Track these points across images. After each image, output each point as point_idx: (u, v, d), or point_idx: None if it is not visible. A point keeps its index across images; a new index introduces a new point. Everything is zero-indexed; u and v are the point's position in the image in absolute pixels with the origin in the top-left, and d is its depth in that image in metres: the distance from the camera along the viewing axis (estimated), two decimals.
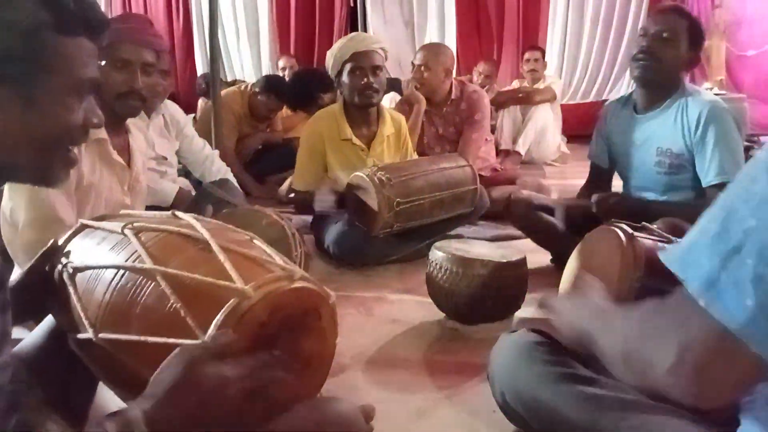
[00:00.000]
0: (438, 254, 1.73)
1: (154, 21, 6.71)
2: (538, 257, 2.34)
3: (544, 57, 4.99)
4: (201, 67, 6.91)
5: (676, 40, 1.93)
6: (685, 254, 0.64)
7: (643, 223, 1.39)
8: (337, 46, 2.48)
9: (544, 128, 4.74)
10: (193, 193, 2.69)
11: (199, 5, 6.76)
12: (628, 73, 5.76)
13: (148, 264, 0.95)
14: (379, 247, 2.32)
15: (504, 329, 1.76)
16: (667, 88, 1.99)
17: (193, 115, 4.44)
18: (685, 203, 1.94)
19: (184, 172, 3.01)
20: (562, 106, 5.07)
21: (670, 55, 1.93)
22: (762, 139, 3.37)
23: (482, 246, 1.81)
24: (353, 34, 2.60)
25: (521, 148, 4.72)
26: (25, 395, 0.95)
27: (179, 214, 1.12)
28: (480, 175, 3.07)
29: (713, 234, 0.61)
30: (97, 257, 1.03)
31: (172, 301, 0.89)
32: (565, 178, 4.29)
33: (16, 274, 1.65)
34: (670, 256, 0.67)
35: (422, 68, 3.07)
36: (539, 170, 4.57)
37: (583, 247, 1.42)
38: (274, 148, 4.01)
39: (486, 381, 1.49)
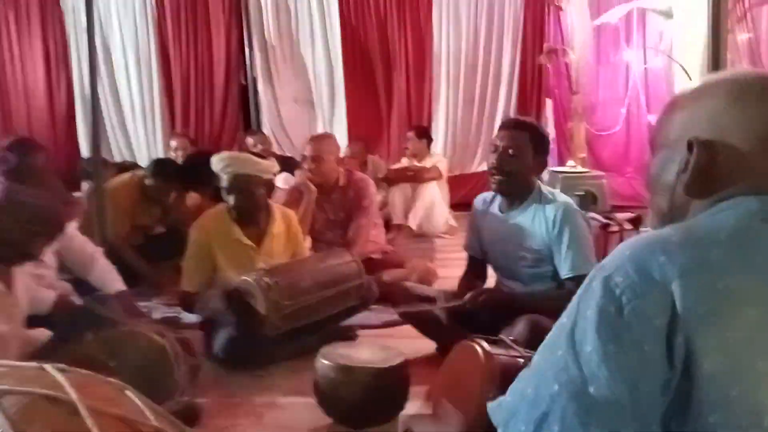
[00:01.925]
0: (322, 363, 1.79)
1: (32, 96, 6.42)
2: (425, 345, 2.45)
3: (421, 137, 5.31)
4: (84, 145, 6.66)
5: (521, 154, 2.16)
6: (508, 418, 0.73)
7: (500, 336, 1.53)
8: (216, 159, 2.54)
9: (432, 204, 5.01)
10: (72, 296, 2.58)
11: (82, 80, 6.59)
12: None
13: None
14: (269, 349, 2.34)
15: (390, 431, 1.85)
16: (522, 193, 2.22)
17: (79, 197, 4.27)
18: (545, 295, 2.15)
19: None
20: (448, 177, 5.39)
21: (517, 168, 2.16)
22: (618, 215, 3.77)
23: (366, 349, 1.89)
24: (231, 154, 2.69)
25: (412, 222, 4.95)
26: None
27: (47, 367, 1.12)
28: (371, 258, 3.21)
29: (529, 400, 0.70)
30: None
31: None
32: (453, 251, 4.53)
33: None
34: (498, 414, 0.77)
35: (314, 159, 3.19)
36: (429, 243, 4.80)
37: (449, 361, 1.54)
38: (171, 231, 3.93)
39: None
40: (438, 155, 5.48)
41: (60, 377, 1.08)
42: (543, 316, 1.93)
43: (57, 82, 6.89)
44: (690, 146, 0.76)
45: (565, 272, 2.12)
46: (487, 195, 2.42)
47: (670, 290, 0.64)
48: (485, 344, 1.41)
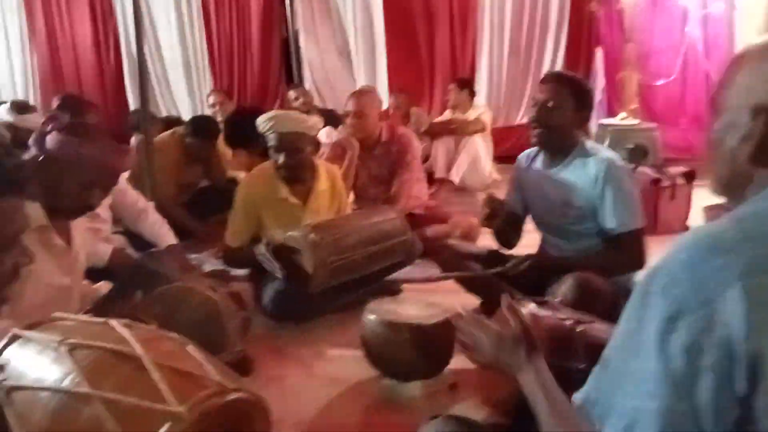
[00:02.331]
0: (369, 318, 1.82)
1: (81, 53, 6.54)
2: (469, 300, 2.47)
3: (463, 88, 5.19)
4: (132, 100, 6.79)
5: (561, 107, 2.09)
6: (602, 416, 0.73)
7: (547, 297, 1.52)
8: (262, 119, 2.54)
9: (476, 157, 4.94)
10: (127, 249, 2.68)
11: (128, 38, 6.66)
12: None
13: (85, 388, 1.00)
14: (317, 302, 2.39)
15: (436, 385, 1.89)
16: (564, 148, 2.17)
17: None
18: (590, 257, 2.12)
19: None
20: (492, 130, 5.29)
21: (557, 122, 2.10)
22: (670, 169, 3.64)
23: (412, 305, 1.91)
24: (278, 113, 2.66)
25: (455, 176, 4.91)
26: None
27: (113, 323, 1.17)
28: (413, 214, 3.21)
29: (610, 407, 0.71)
30: (35, 374, 1.07)
31: (108, 427, 0.95)
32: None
33: None
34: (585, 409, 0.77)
35: (357, 115, 3.17)
36: (472, 197, 4.76)
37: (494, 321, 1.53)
38: (217, 187, 4.02)
39: None
40: (482, 107, 5.36)
41: (126, 332, 1.13)
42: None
43: (104, 39, 7.00)
44: (755, 113, 0.72)
45: (611, 227, 2.09)
46: (531, 151, 2.38)
47: (730, 296, 0.61)
48: (532, 306, 1.41)
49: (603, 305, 1.74)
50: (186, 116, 5.82)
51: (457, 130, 5.02)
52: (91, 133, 1.79)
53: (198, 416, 0.97)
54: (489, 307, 2.42)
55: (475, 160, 4.95)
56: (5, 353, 1.15)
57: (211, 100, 5.21)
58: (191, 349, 1.16)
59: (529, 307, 1.40)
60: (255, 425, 1.10)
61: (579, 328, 1.35)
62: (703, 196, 3.80)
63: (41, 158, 1.65)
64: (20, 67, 7.01)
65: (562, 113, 2.10)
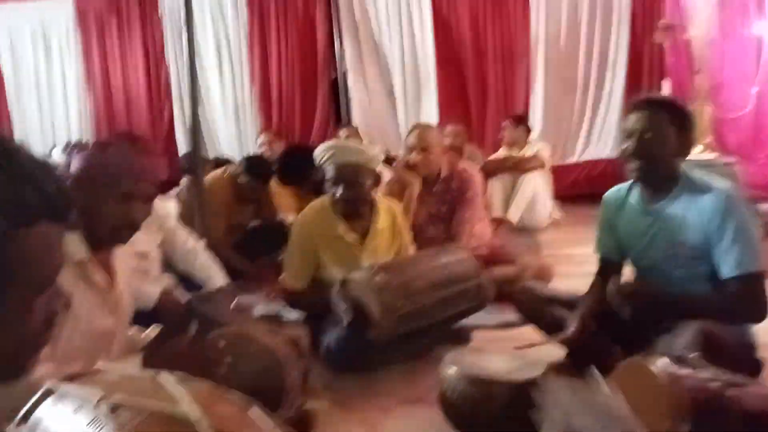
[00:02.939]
0: (451, 372, 1.57)
1: (134, 97, 6.66)
2: (554, 350, 2.18)
3: (519, 125, 4.98)
4: (182, 143, 6.83)
5: (661, 135, 1.84)
6: None
7: (683, 353, 1.24)
8: (320, 149, 2.39)
9: (534, 195, 4.68)
10: (176, 291, 2.52)
11: (179, 82, 6.75)
12: (607, 135, 5.83)
13: None
14: (380, 351, 2.15)
15: None
16: (667, 181, 1.91)
17: (177, 190, 4.32)
18: (708, 297, 1.83)
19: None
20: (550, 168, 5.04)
21: (658, 152, 1.85)
22: (760, 206, 3.31)
23: (498, 358, 1.66)
24: (338, 143, 2.51)
25: (513, 215, 4.65)
26: None
27: (164, 378, 0.96)
28: (477, 255, 2.96)
29: None
30: None
31: None
32: (561, 246, 4.20)
33: None
34: None
35: (422, 150, 2.98)
36: (532, 238, 4.48)
37: (615, 384, 1.26)
38: (268, 226, 3.89)
39: None
40: (539, 143, 5.13)
41: (180, 390, 0.92)
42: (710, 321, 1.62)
43: (155, 83, 7.11)
44: None
45: (728, 270, 1.79)
46: (622, 187, 2.10)
47: None
48: (664, 362, 1.13)
49: (731, 363, 1.44)
50: (234, 159, 5.78)
51: (515, 167, 4.78)
52: (117, 144, 1.64)
53: None
54: (577, 360, 2.14)
55: (535, 198, 4.68)
56: (38, 411, 0.95)
57: (261, 140, 5.14)
58: (255, 413, 0.94)
59: (661, 364, 1.13)
60: None
61: (730, 392, 1.07)
62: None
63: (69, 181, 1.50)
64: (75, 110, 7.17)
65: (662, 141, 1.84)
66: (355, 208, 2.35)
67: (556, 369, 1.96)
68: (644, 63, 5.56)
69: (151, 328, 1.90)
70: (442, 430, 1.71)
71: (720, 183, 1.89)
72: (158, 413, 0.87)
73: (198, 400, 0.89)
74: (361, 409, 1.95)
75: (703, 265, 1.85)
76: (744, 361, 1.57)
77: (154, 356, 1.64)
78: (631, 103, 2.00)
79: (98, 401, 0.89)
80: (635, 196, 2.01)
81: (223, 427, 0.86)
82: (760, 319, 1.80)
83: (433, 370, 1.99)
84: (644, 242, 1.97)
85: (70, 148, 4.38)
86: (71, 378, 1.01)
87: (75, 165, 1.53)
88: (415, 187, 3.01)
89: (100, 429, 0.85)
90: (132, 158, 1.57)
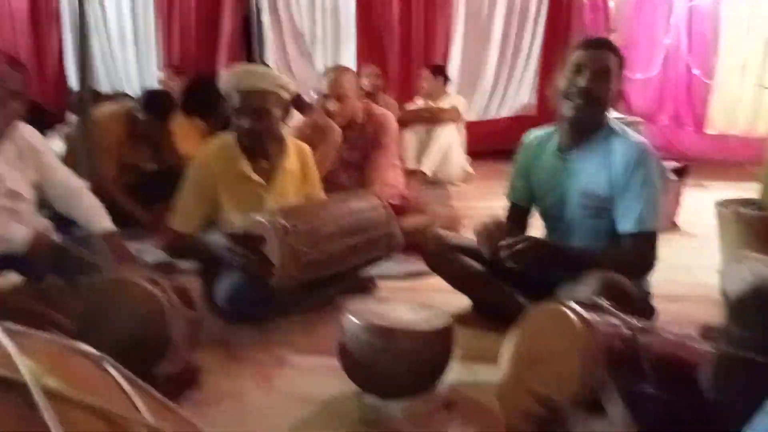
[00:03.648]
0: (353, 323, 1.47)
1: (19, 25, 5.94)
2: (456, 299, 2.15)
3: (437, 75, 4.90)
4: (73, 76, 6.21)
5: (610, 78, 1.79)
6: None
7: (594, 298, 1.20)
8: (229, 74, 2.14)
9: (449, 148, 4.65)
10: (51, 237, 2.25)
11: (73, 8, 6.07)
12: (524, 91, 5.87)
13: None
14: (280, 301, 2.01)
15: (429, 403, 1.56)
16: (595, 127, 1.86)
17: (66, 130, 3.91)
18: (603, 253, 1.82)
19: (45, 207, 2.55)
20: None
21: (606, 94, 1.80)
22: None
23: (402, 307, 1.57)
24: (244, 67, 2.25)
25: (426, 168, 4.60)
26: None
27: (2, 331, 0.79)
28: (388, 203, 2.87)
29: None
30: None
31: None
32: (470, 199, 4.21)
33: None
34: None
35: (338, 97, 2.80)
36: (444, 190, 4.46)
37: (526, 329, 1.21)
38: (166, 170, 3.60)
39: None
40: (456, 96, 5.07)
41: (11, 346, 0.74)
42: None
43: (45, 9, 6.37)
44: None
45: (627, 226, 1.79)
46: (541, 132, 2.06)
47: None
48: (579, 308, 1.08)
49: (632, 310, 1.43)
50: (134, 93, 5.33)
51: (430, 119, 4.70)
52: None
53: None
54: (483, 309, 2.11)
55: (449, 151, 4.65)
56: None
57: (162, 75, 4.73)
58: (111, 368, 0.79)
59: (574, 309, 1.07)
60: None
61: (642, 338, 1.04)
62: (694, 195, 3.65)
63: None
64: None
65: (610, 85, 1.78)
66: (262, 142, 2.14)
67: (461, 319, 1.93)
68: (562, 19, 5.59)
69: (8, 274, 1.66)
70: (341, 383, 1.63)
71: (635, 135, 1.87)
72: None
73: (36, 357, 0.73)
74: (254, 362, 1.82)
75: (609, 217, 1.84)
76: (642, 309, 1.57)
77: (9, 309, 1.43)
78: (584, 41, 1.90)
79: None
80: (553, 143, 1.96)
81: (67, 389, 0.70)
82: (646, 274, 1.83)
83: (335, 320, 1.88)
84: (557, 190, 1.94)
85: None
86: None
87: None
88: (337, 135, 2.84)
89: None
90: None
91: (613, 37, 4.43)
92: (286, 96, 2.13)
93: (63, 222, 2.42)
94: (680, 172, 3.37)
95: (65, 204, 2.39)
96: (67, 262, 1.71)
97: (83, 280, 1.50)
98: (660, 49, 4.74)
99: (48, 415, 0.65)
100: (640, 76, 4.76)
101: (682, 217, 3.42)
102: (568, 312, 1.07)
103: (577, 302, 1.11)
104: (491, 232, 1.84)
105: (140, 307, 1.39)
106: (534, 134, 2.07)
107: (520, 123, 5.48)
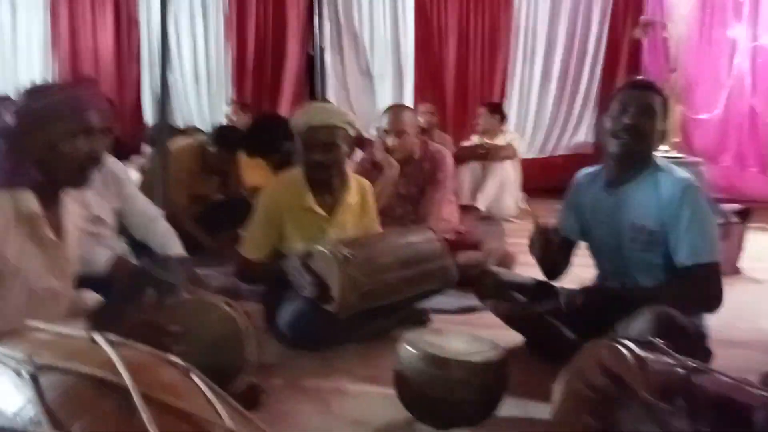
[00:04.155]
0: (409, 352, 1.54)
1: (102, 62, 6.37)
2: (509, 335, 2.17)
3: (494, 113, 4.97)
4: (148, 108, 6.63)
5: (655, 116, 1.88)
6: None
7: (648, 337, 1.23)
8: (296, 114, 2.30)
9: (504, 184, 4.69)
10: (131, 261, 2.42)
11: (150, 44, 6.53)
12: (581, 129, 5.86)
13: (44, 428, 0.72)
14: (339, 329, 2.10)
15: None
16: (641, 163, 1.92)
17: (141, 162, 4.18)
18: (658, 290, 1.83)
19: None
20: (521, 161, 5.04)
21: (651, 132, 1.87)
22: (723, 206, 3.36)
23: (457, 339, 1.63)
24: (316, 104, 2.42)
25: (481, 203, 4.65)
26: None
27: (99, 339, 0.90)
28: (443, 238, 2.94)
29: None
30: None
31: None
32: (524, 236, 4.19)
33: None
34: None
35: (398, 133, 2.93)
36: (498, 227, 4.48)
37: (579, 368, 1.24)
38: (232, 201, 3.80)
39: None
40: (512, 133, 5.13)
41: (113, 354, 0.85)
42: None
43: (127, 47, 6.86)
44: None
45: (683, 258, 1.81)
46: (591, 170, 2.13)
47: None
48: (633, 346, 1.11)
49: (689, 349, 1.44)
50: (204, 129, 5.63)
51: (486, 155, 4.77)
52: (51, 86, 1.56)
53: None
54: (535, 346, 2.13)
55: (504, 188, 4.69)
56: None
57: (229, 109, 5.00)
58: (197, 379, 0.89)
59: (627, 347, 1.10)
60: None
61: (696, 379, 1.06)
62: (757, 239, 3.54)
63: (6, 133, 1.41)
64: (41, 71, 6.86)
65: (654, 123, 1.87)
66: (329, 176, 2.27)
67: (514, 356, 1.96)
68: (621, 59, 5.59)
69: (90, 293, 1.81)
70: (395, 411, 1.68)
71: (681, 172, 1.91)
72: (89, 377, 0.81)
73: (135, 366, 0.84)
74: (314, 388, 1.90)
75: (659, 250, 1.87)
76: (697, 348, 1.57)
77: (100, 321, 1.56)
78: (629, 81, 2.04)
79: (23, 361, 0.83)
80: (601, 179, 2.02)
81: (161, 393, 0.80)
82: (713, 309, 1.82)
83: (391, 350, 1.95)
84: (606, 224, 1.98)
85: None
86: (1, 336, 0.94)
87: (8, 114, 1.44)
88: (395, 170, 2.96)
89: (18, 394, 0.79)
90: (88, 92, 1.50)
91: (674, 77, 4.40)
92: (352, 132, 2.27)
93: (138, 248, 2.61)
94: (743, 215, 3.29)
95: (143, 230, 2.58)
96: (147, 284, 1.84)
97: (164, 300, 1.63)
98: (723, 89, 4.66)
99: (146, 416, 0.75)
100: (702, 116, 4.69)
101: (744, 262, 3.32)
102: (622, 349, 1.10)
103: (630, 340, 1.14)
104: (543, 237, 1.97)
105: (220, 328, 1.50)
106: (585, 171, 2.13)
107: (576, 161, 5.47)
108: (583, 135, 5.89)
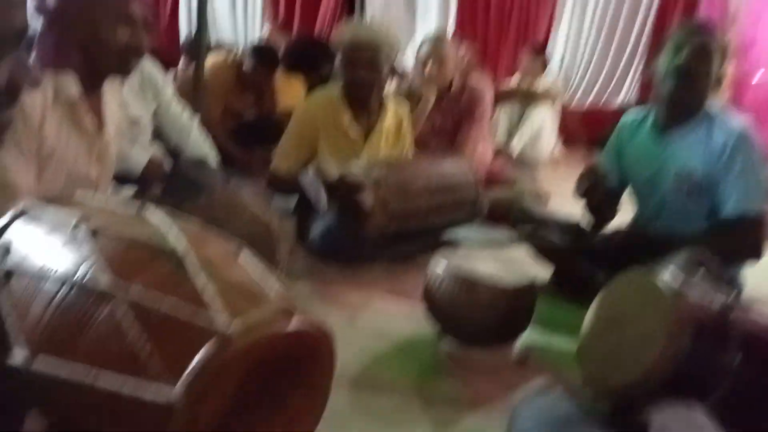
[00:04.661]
0: (440, 269, 1.54)
1: None
2: (538, 270, 2.17)
3: (539, 55, 4.81)
4: (184, 23, 6.55)
5: (710, 60, 1.79)
6: None
7: (688, 269, 1.21)
8: (340, 29, 2.26)
9: (540, 129, 4.58)
10: (165, 163, 2.45)
11: None
12: (629, 79, 5.66)
13: (105, 283, 0.74)
14: (368, 247, 2.12)
15: (504, 356, 1.62)
16: (694, 108, 1.85)
17: (174, 70, 4.16)
18: (698, 237, 1.80)
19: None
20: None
21: (705, 75, 1.80)
22: None
23: (488, 262, 1.63)
24: (358, 23, 2.36)
25: (515, 146, 4.56)
26: None
27: (150, 213, 0.91)
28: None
29: None
30: (41, 257, 0.82)
31: (131, 338, 0.69)
32: (557, 182, 4.15)
33: None
34: None
35: (437, 61, 2.85)
36: (531, 172, 4.42)
37: (613, 292, 1.24)
38: (265, 119, 3.79)
39: (484, 418, 1.35)
40: (554, 78, 4.97)
41: (165, 223, 0.87)
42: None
43: None
44: None
45: (730, 207, 1.77)
46: (639, 112, 2.06)
47: None
48: (670, 276, 1.10)
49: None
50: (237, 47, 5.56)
51: (525, 98, 4.64)
52: None
53: (251, 342, 0.70)
54: (561, 279, 2.13)
55: (540, 133, 4.58)
56: (8, 232, 0.89)
57: (266, 29, 4.92)
58: (247, 257, 0.90)
59: (666, 277, 1.09)
60: (317, 364, 0.83)
61: (733, 314, 1.05)
62: None
63: (48, 13, 1.40)
64: None
65: (710, 66, 1.78)
66: (368, 95, 2.23)
67: (541, 289, 1.97)
68: (676, 11, 5.32)
69: (127, 188, 1.84)
70: (419, 327, 1.72)
71: (736, 120, 1.84)
72: (141, 242, 0.83)
73: (186, 235, 0.85)
74: (340, 299, 1.93)
75: (704, 200, 1.84)
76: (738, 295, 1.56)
77: None
78: (684, 22, 1.95)
79: (76, 224, 0.84)
80: (651, 121, 1.96)
81: (212, 263, 0.81)
82: (755, 258, 1.80)
83: (417, 271, 1.98)
84: (652, 170, 1.94)
85: None
86: (49, 201, 0.95)
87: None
88: (431, 100, 2.90)
89: (77, 252, 0.80)
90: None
91: (731, 32, 4.19)
92: (393, 54, 2.21)
93: (172, 154, 2.64)
94: None
95: (177, 135, 2.59)
96: (181, 183, 1.87)
97: (197, 199, 1.64)
98: None
99: (200, 281, 0.76)
100: (755, 74, 4.49)
101: None
102: (658, 279, 1.09)
103: (668, 270, 1.13)
104: (590, 175, 1.91)
105: (252, 227, 1.52)
106: (632, 114, 2.07)
107: (618, 114, 5.32)
108: (627, 88, 5.69)
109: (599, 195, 1.93)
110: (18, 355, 0.74)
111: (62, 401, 0.73)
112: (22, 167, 1.37)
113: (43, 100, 1.40)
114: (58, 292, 0.76)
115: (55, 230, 0.86)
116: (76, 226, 0.85)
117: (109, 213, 0.94)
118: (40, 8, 1.43)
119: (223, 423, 0.71)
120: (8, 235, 0.89)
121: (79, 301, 0.74)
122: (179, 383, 0.65)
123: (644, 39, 5.50)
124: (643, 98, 5.21)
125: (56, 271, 0.79)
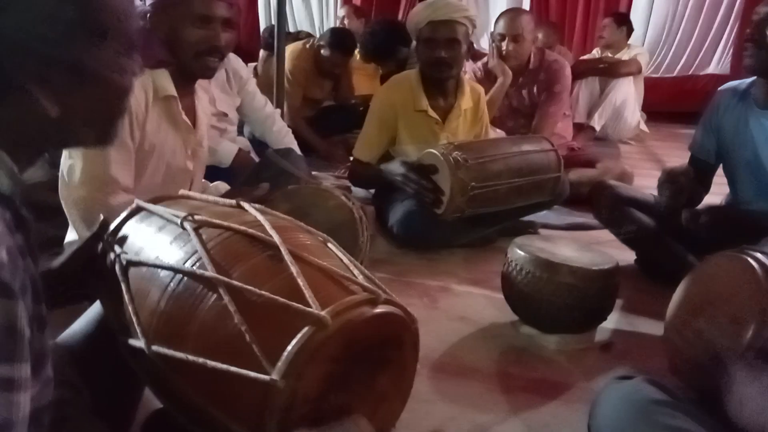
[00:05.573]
0: (519, 253, 1.55)
1: None
2: (620, 255, 2.12)
3: (620, 25, 4.59)
4: (263, 16, 6.73)
5: None
6: None
7: None
8: (416, 9, 2.25)
9: (623, 103, 4.39)
10: (252, 153, 2.58)
11: None
12: (721, 47, 5.30)
13: (210, 272, 0.82)
14: (447, 231, 2.15)
15: (585, 342, 1.61)
16: None
17: (254, 65, 4.30)
18: None
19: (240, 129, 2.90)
20: (644, 79, 4.68)
21: None
22: None
23: (567, 246, 1.62)
24: (432, 1, 2.34)
25: (596, 123, 4.40)
26: (72, 404, 0.85)
27: (245, 205, 0.99)
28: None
29: None
30: (154, 250, 0.91)
31: (236, 321, 0.76)
32: (642, 159, 3.99)
33: (69, 238, 1.58)
34: None
35: (514, 38, 2.81)
36: (614, 149, 4.26)
37: (702, 274, 1.21)
38: (343, 106, 3.87)
39: (565, 405, 1.35)
40: (638, 47, 4.73)
41: (260, 216, 0.94)
42: None
43: None
44: None
45: None
46: (737, 85, 1.92)
47: None
48: (763, 257, 1.06)
49: None
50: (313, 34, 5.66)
51: (607, 71, 4.46)
52: None
53: (343, 325, 0.76)
54: (647, 264, 2.08)
55: (623, 107, 4.39)
56: (125, 227, 0.99)
57: (342, 13, 4.98)
58: (333, 248, 0.96)
59: (760, 258, 1.05)
60: (403, 351, 0.88)
61: None
62: None
63: (144, 18, 1.48)
64: None
65: None
66: (447, 75, 2.23)
67: (625, 274, 1.93)
68: None
69: (219, 182, 1.95)
70: (499, 312, 1.73)
71: None
72: (241, 233, 0.90)
73: (278, 227, 0.91)
74: (420, 284, 1.98)
75: None
76: None
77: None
78: None
79: (183, 220, 0.92)
80: (749, 98, 1.84)
81: (302, 253, 0.87)
82: None
83: (495, 258, 2.00)
84: (752, 145, 1.81)
85: None
86: (157, 200, 1.04)
87: None
88: (508, 78, 2.86)
89: (184, 245, 0.89)
90: None
91: None
92: (471, 30, 2.20)
93: (257, 145, 2.76)
94: None
95: (261, 127, 2.71)
96: (269, 173, 1.97)
97: (285, 187, 1.73)
98: None
99: (294, 268, 0.82)
100: None
101: None
102: (750, 259, 1.05)
103: (761, 252, 1.09)
104: (676, 177, 1.79)
105: (335, 214, 1.59)
106: (730, 87, 1.94)
107: (708, 84, 5.01)
108: (718, 57, 5.34)
109: (683, 200, 1.80)
110: (138, 339, 0.83)
111: (174, 381, 0.81)
112: (123, 162, 1.48)
113: (145, 98, 1.51)
114: (170, 282, 0.84)
115: (165, 227, 0.95)
116: (183, 222, 0.93)
117: (210, 207, 1.02)
118: (139, 9, 1.53)
119: (319, 401, 0.77)
120: (125, 230, 0.99)
121: (189, 290, 0.82)
122: (280, 362, 0.72)
123: (737, 5, 5.11)
124: (736, 68, 4.87)
125: (168, 263, 0.88)
